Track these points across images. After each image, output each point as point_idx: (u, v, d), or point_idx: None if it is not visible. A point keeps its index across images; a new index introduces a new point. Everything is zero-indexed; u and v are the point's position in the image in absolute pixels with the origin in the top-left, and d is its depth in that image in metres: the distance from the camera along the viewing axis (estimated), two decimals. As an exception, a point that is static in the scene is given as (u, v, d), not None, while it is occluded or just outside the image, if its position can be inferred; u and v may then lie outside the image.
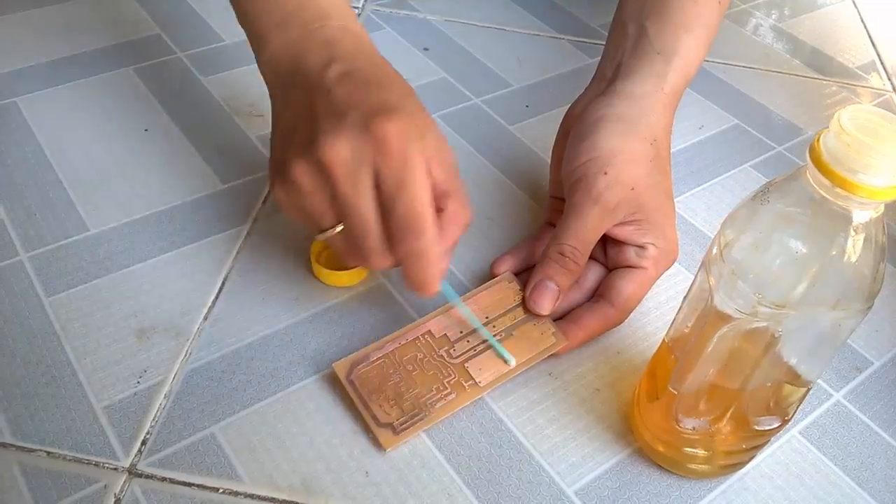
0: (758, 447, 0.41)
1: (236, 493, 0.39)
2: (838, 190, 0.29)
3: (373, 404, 0.42)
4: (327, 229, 0.41)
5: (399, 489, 0.40)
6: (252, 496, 0.39)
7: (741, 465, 0.42)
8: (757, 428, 0.39)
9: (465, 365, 0.44)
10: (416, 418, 0.41)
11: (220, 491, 0.39)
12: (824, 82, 0.74)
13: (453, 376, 0.43)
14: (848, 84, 0.74)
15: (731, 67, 0.74)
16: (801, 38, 0.80)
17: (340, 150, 0.38)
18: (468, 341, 0.45)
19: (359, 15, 0.75)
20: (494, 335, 0.45)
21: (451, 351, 0.44)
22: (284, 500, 0.39)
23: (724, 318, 0.34)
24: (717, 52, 0.75)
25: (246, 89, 0.64)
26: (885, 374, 0.48)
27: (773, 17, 0.82)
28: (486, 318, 0.45)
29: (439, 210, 0.41)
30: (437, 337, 0.45)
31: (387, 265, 0.41)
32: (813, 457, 0.44)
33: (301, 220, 0.42)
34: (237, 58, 0.67)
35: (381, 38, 0.72)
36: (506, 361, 0.44)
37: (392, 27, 0.74)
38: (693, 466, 0.41)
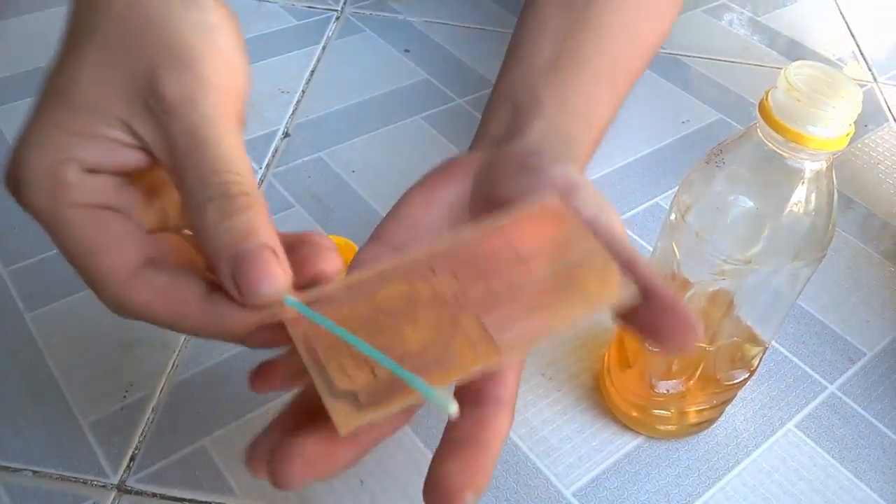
0: (727, 402, 0.42)
1: (229, 507, 0.39)
2: (791, 144, 0.31)
3: (330, 363, 0.27)
4: None
5: (394, 494, 0.40)
6: (245, 509, 0.39)
7: (711, 422, 0.43)
8: (726, 383, 0.40)
9: (479, 317, 0.29)
10: (393, 388, 0.26)
11: (213, 505, 0.39)
12: (805, 74, 0.74)
13: (458, 330, 0.28)
14: (829, 75, 0.74)
15: (712, 62, 0.74)
16: (779, 30, 0.80)
17: None
18: (488, 285, 0.30)
19: (337, 17, 0.74)
20: (529, 279, 0.29)
21: (463, 296, 0.29)
22: (278, 512, 0.39)
23: (691, 282, 0.36)
24: (697, 47, 0.75)
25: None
26: (879, 364, 0.48)
27: (749, 9, 0.83)
28: (518, 254, 0.30)
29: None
30: (442, 274, 0.30)
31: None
32: (809, 450, 0.43)
33: None
34: (216, 64, 0.66)
35: (362, 40, 0.71)
36: (444, 410, 0.26)
37: (372, 29, 0.73)
38: (663, 427, 0.42)
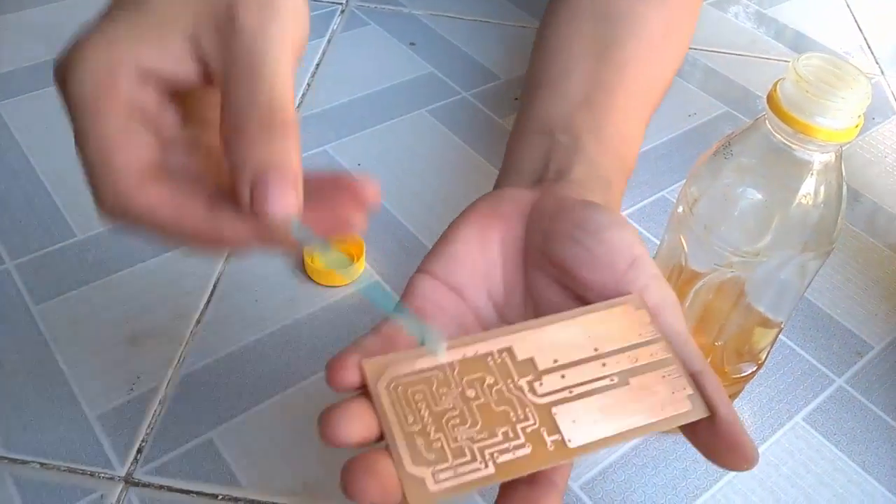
0: (735, 395, 0.42)
1: (236, 500, 0.39)
2: (799, 135, 0.31)
3: (406, 435, 0.27)
4: None
5: (402, 489, 0.40)
6: (253, 502, 0.39)
7: None
8: (734, 376, 0.40)
9: (553, 410, 0.28)
10: (464, 470, 0.27)
11: (220, 497, 0.39)
12: (812, 67, 0.74)
13: (532, 422, 0.28)
14: (836, 68, 0.74)
15: (719, 55, 0.73)
16: (785, 23, 0.79)
17: None
18: (563, 376, 0.29)
19: (342, 11, 0.74)
20: (603, 378, 0.29)
21: (537, 385, 0.29)
22: (286, 505, 0.39)
23: (698, 275, 0.36)
24: (704, 41, 0.75)
25: (231, 89, 0.63)
26: (886, 357, 0.48)
27: (755, 2, 0.82)
28: (595, 350, 0.30)
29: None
30: (518, 360, 0.30)
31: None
32: (817, 443, 0.43)
33: None
34: (221, 57, 0.66)
35: (367, 33, 0.71)
36: (431, 350, 0.28)
37: (377, 23, 0.73)
38: None
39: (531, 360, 0.30)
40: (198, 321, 0.46)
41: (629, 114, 0.44)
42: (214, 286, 0.48)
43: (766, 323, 0.39)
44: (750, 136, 0.33)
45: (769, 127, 0.32)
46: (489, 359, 0.29)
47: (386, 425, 0.27)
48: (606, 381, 0.29)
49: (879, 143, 0.65)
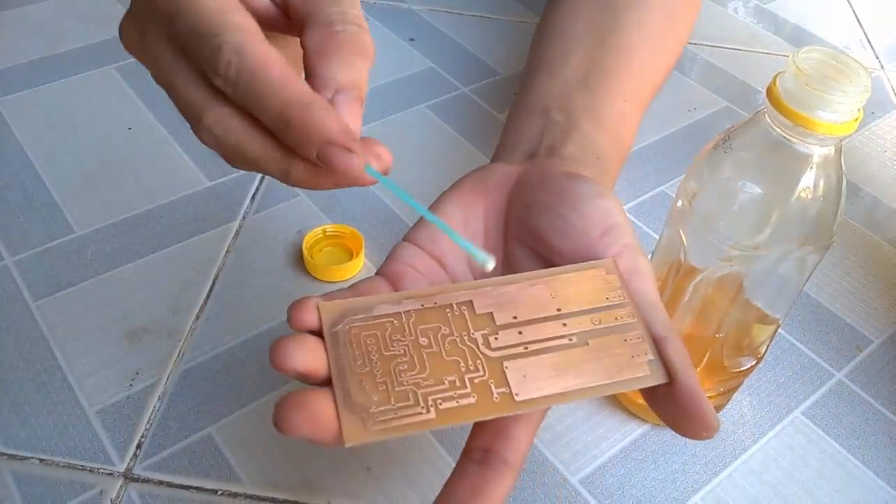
0: (734, 389, 0.42)
1: (236, 495, 0.39)
2: (799, 128, 0.31)
3: (351, 376, 0.28)
4: None
5: (401, 484, 0.40)
6: (252, 497, 0.39)
7: (718, 409, 0.43)
8: (733, 370, 0.40)
9: (505, 364, 0.29)
10: (405, 413, 0.27)
11: (219, 493, 0.39)
12: (812, 62, 0.74)
13: (481, 373, 0.28)
14: (835, 63, 0.74)
15: (719, 50, 0.73)
16: (785, 18, 0.79)
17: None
18: (521, 332, 0.30)
19: (342, 7, 0.74)
20: (562, 337, 0.30)
21: (492, 339, 0.29)
22: (285, 500, 0.39)
23: (697, 269, 0.36)
24: (704, 36, 0.74)
25: (230, 85, 0.63)
26: (886, 352, 0.48)
27: (758, -2, 0.82)
28: (558, 309, 0.30)
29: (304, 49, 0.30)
30: (477, 313, 0.30)
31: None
32: (817, 437, 0.43)
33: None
34: (220, 53, 0.66)
35: (366, 29, 0.71)
36: (482, 264, 0.28)
37: (377, 18, 0.73)
38: None
39: (490, 315, 0.30)
40: (197, 317, 0.46)
41: (627, 97, 0.44)
42: (213, 282, 0.48)
43: (763, 319, 0.39)
44: (749, 130, 0.33)
45: (768, 121, 0.32)
46: (448, 310, 0.30)
47: (333, 364, 0.28)
48: (565, 341, 0.29)
49: (879, 137, 0.64)
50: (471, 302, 0.30)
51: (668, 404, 0.28)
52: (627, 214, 0.54)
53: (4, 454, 0.39)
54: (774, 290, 0.37)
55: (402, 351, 0.29)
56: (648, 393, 0.29)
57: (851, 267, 0.53)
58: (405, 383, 0.28)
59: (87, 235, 0.50)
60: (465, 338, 0.29)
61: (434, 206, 0.34)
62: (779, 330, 0.40)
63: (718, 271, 0.35)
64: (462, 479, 0.28)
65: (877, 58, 0.75)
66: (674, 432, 0.29)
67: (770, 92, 0.31)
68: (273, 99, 0.26)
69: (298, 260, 0.50)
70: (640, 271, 0.31)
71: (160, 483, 0.39)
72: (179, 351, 0.44)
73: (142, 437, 0.41)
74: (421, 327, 0.29)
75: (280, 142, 0.28)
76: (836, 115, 0.30)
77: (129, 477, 0.39)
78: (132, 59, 0.64)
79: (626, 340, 0.30)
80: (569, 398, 0.28)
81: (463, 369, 0.28)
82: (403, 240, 0.33)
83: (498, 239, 0.34)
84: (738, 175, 0.33)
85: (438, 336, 0.29)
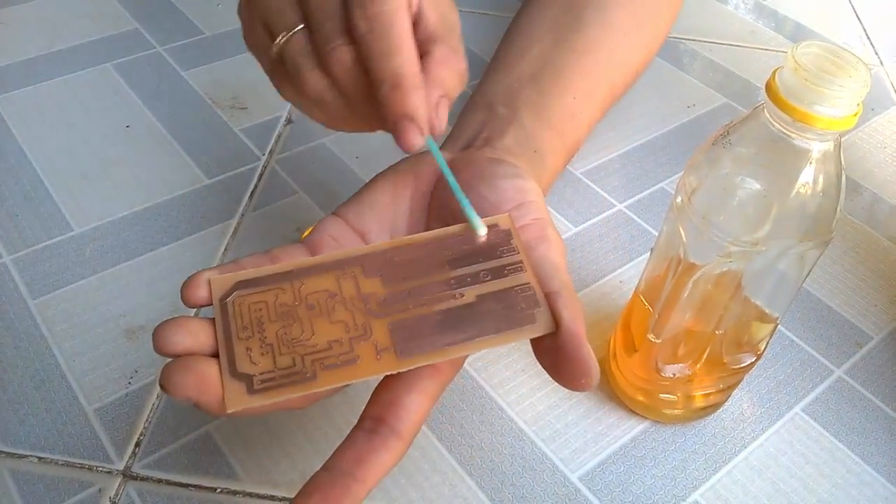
0: (733, 386, 0.42)
1: (234, 493, 0.39)
2: (798, 123, 0.31)
3: (237, 344, 0.28)
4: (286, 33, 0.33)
5: (400, 481, 0.39)
6: (251, 494, 0.39)
7: (718, 406, 0.43)
8: (733, 367, 0.40)
9: (389, 324, 0.29)
10: (287, 378, 0.28)
11: (218, 490, 0.39)
12: (811, 58, 0.74)
13: (365, 334, 0.29)
14: (835, 59, 0.74)
15: (718, 46, 0.73)
16: (785, 14, 0.79)
17: None
18: (409, 293, 0.30)
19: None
20: (450, 295, 0.30)
21: (380, 301, 0.30)
22: (284, 498, 0.39)
23: (697, 266, 0.36)
24: (703, 31, 0.74)
25: (228, 82, 0.63)
26: (886, 348, 0.48)
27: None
28: (448, 266, 0.31)
29: (425, 54, 0.33)
30: (367, 276, 0.30)
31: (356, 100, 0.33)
32: (817, 434, 0.43)
33: (260, 20, 0.34)
34: (217, 50, 0.66)
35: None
36: (475, 229, 0.31)
37: (375, 15, 0.73)
38: (670, 412, 0.42)
39: (379, 277, 0.30)
40: (195, 314, 0.46)
41: (578, 95, 0.45)
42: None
43: (762, 317, 0.39)
44: (748, 126, 0.33)
45: (767, 116, 0.32)
46: (338, 275, 0.30)
47: (220, 335, 0.28)
48: (453, 298, 0.30)
49: (879, 133, 0.64)
50: (361, 266, 0.31)
51: (551, 353, 0.28)
52: (627, 212, 0.54)
53: (3, 452, 0.39)
54: (774, 287, 0.37)
55: (289, 318, 0.29)
56: (536, 344, 0.29)
57: (851, 263, 0.53)
58: (291, 349, 0.28)
59: (85, 233, 0.50)
60: (354, 301, 0.30)
61: (369, 183, 0.36)
62: (778, 326, 0.40)
63: (718, 267, 0.35)
64: (349, 446, 0.28)
65: (876, 54, 0.75)
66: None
67: (769, 87, 0.31)
68: (396, 57, 0.30)
69: (297, 257, 0.49)
70: (548, 239, 0.32)
71: (159, 481, 0.39)
72: (178, 349, 0.44)
73: (140, 435, 0.41)
74: (310, 294, 0.30)
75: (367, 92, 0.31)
76: (835, 109, 0.30)
77: (127, 475, 0.39)
78: (131, 57, 0.64)
79: (517, 293, 0.30)
80: (451, 353, 0.28)
81: (347, 332, 0.29)
82: (332, 213, 0.34)
83: (421, 219, 0.35)
84: (737, 170, 0.33)
85: (326, 300, 0.30)
